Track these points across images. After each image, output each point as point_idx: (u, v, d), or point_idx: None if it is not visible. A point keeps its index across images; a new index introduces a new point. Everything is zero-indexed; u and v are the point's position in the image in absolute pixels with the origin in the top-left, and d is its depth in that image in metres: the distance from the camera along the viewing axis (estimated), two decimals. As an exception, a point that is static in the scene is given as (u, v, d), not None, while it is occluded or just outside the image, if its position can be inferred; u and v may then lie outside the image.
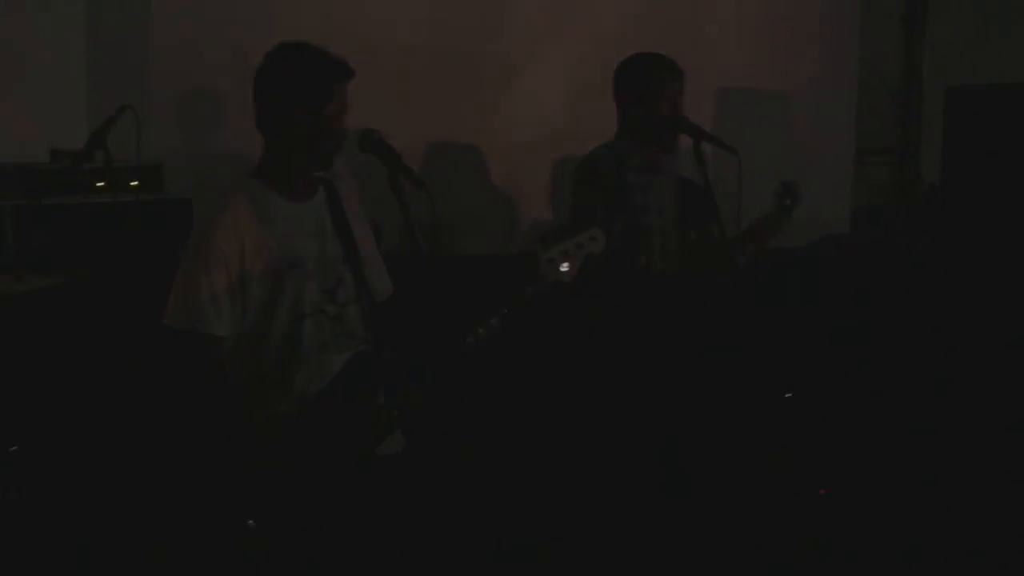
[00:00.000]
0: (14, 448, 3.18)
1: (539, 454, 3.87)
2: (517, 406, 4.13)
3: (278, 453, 2.33)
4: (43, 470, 3.08)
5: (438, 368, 2.49)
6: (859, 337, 5.67)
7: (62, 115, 4.62)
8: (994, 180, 5.63)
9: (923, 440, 4.68)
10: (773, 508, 3.94)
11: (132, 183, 4.32)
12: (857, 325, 5.73)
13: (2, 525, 2.91)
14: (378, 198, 2.62)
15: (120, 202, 3.76)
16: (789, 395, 5.26)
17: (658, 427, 3.52)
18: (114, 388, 3.21)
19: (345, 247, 2.55)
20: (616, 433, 3.43)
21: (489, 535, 3.47)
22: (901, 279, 5.96)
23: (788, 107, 6.45)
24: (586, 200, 3.45)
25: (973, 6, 7.07)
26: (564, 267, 2.66)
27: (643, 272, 3.49)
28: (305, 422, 2.39)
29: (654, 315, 3.47)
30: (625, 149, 3.52)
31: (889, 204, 7.10)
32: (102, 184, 4.11)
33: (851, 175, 6.59)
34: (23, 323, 3.34)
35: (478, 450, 3.92)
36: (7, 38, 4.68)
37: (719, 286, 3.70)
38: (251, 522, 2.26)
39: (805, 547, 3.73)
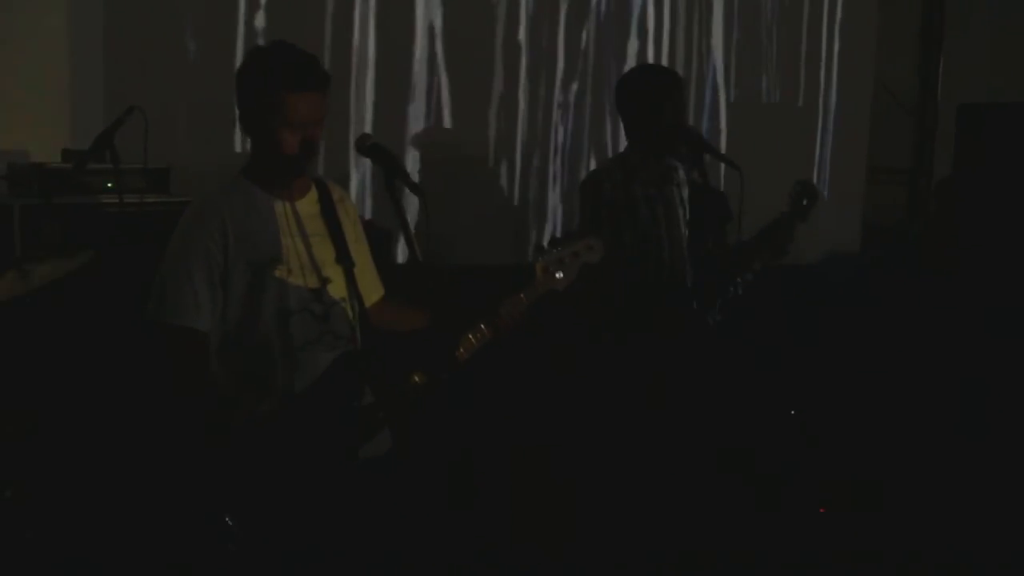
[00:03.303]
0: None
1: (533, 463, 3.87)
2: (511, 414, 4.14)
3: (260, 451, 2.34)
4: (36, 467, 3.11)
5: (429, 375, 2.51)
6: (866, 355, 5.64)
7: (77, 115, 4.67)
8: (1005, 197, 5.61)
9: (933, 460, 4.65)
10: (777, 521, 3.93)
11: (140, 185, 4.37)
12: (864, 344, 5.70)
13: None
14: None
15: (125, 203, 3.80)
16: (793, 412, 5.27)
17: (660, 441, 3.52)
18: (109, 385, 3.24)
19: (335, 248, 2.56)
20: (617, 444, 3.43)
21: (477, 541, 3.47)
22: (909, 299, 5.93)
23: (800, 123, 6.45)
24: (593, 216, 3.48)
25: (991, 23, 7.02)
26: (559, 275, 2.69)
27: (650, 286, 3.49)
28: (288, 420, 2.40)
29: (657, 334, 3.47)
30: (631, 162, 3.54)
31: (901, 223, 7.08)
32: (111, 185, 4.14)
33: (863, 193, 6.57)
34: (25, 320, 3.38)
35: (467, 455, 3.92)
36: (24, 38, 4.73)
37: (723, 303, 3.69)
38: (229, 521, 2.26)
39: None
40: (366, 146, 2.53)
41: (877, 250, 6.57)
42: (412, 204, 5.62)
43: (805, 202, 3.68)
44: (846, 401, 5.18)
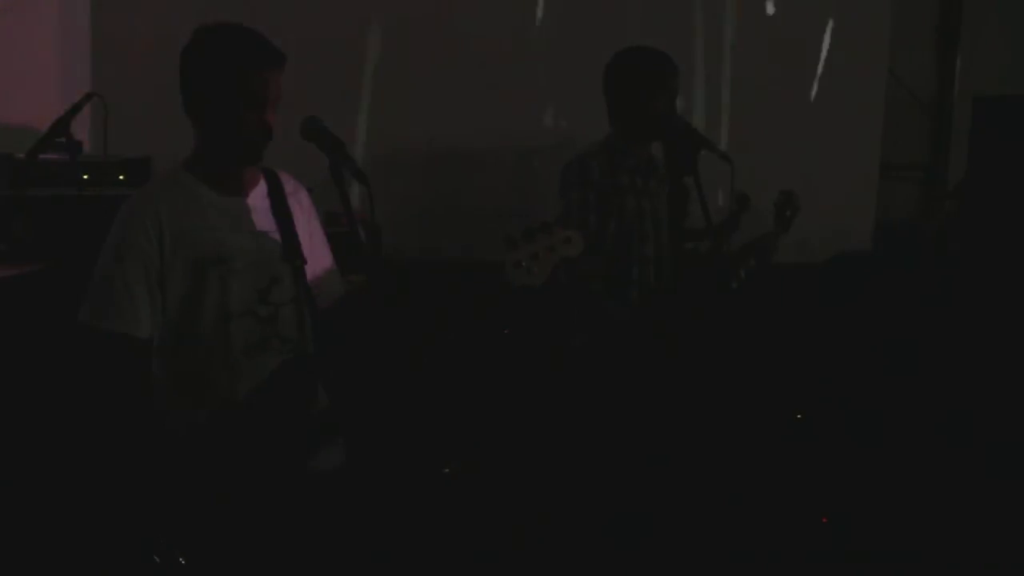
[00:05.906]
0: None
1: (499, 470, 3.74)
2: (478, 418, 4.01)
3: (199, 464, 2.21)
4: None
5: (386, 377, 2.37)
6: (876, 355, 5.50)
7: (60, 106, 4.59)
8: (1020, 192, 5.42)
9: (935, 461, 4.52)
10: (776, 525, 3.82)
11: (119, 176, 4.27)
12: (874, 343, 5.55)
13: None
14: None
15: (85, 196, 3.68)
16: (799, 416, 5.12)
17: (644, 447, 3.38)
18: (54, 393, 3.13)
19: (285, 245, 2.42)
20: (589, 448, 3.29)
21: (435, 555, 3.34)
22: (922, 296, 5.78)
23: (810, 117, 6.26)
24: (576, 203, 3.29)
25: (1008, 17, 6.83)
26: (533, 271, 2.48)
27: (634, 283, 3.34)
28: (229, 429, 2.26)
29: (642, 334, 3.32)
30: (618, 149, 3.35)
31: (914, 219, 6.89)
32: (87, 177, 4.05)
33: (875, 189, 6.37)
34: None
35: (429, 466, 3.79)
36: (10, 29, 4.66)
37: (714, 302, 3.54)
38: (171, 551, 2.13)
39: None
40: (312, 129, 2.37)
41: (890, 248, 6.39)
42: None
43: (788, 213, 3.54)
44: (852, 401, 5.06)
